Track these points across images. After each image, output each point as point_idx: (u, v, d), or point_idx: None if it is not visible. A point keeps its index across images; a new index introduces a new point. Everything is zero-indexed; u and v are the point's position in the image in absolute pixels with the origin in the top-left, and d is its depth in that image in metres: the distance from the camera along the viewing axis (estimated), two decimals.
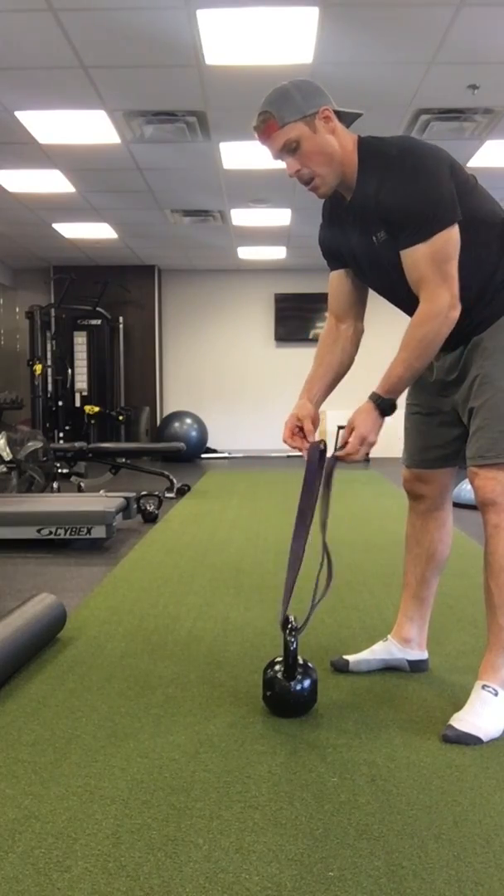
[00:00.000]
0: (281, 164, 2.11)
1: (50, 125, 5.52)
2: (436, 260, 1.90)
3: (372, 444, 2.01)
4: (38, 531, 4.36)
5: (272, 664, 2.12)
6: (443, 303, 1.90)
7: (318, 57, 4.38)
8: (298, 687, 2.07)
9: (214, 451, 10.86)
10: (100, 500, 4.84)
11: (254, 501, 6.46)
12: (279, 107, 1.96)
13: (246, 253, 10.07)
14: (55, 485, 6.40)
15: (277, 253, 10.05)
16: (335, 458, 2.06)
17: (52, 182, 6.88)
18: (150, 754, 1.89)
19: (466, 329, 2.01)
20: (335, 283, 2.26)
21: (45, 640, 2.63)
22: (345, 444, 2.01)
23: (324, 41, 4.21)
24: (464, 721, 1.96)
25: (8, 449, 5.91)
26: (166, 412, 10.97)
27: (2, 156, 6.19)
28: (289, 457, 10.79)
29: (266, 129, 1.99)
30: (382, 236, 1.99)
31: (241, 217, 8.22)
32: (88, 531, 4.33)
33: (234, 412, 11.27)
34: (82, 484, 6.66)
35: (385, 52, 4.37)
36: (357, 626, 2.88)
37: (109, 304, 10.45)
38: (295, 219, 8.29)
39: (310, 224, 8.64)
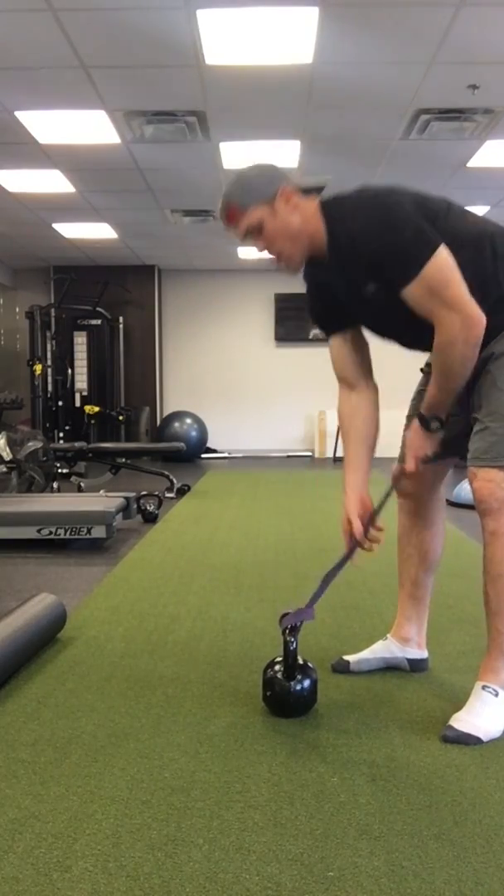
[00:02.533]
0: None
1: (50, 125, 5.52)
2: (433, 291, 1.90)
3: (427, 456, 2.13)
4: (38, 531, 4.36)
5: (272, 664, 2.12)
6: (454, 329, 1.90)
7: (318, 57, 4.38)
8: (298, 687, 2.07)
9: (214, 451, 10.86)
10: (100, 500, 4.84)
11: (254, 501, 6.46)
12: (239, 193, 2.01)
13: (246, 253, 10.07)
14: (55, 485, 6.40)
15: None
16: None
17: (52, 182, 6.88)
18: (150, 754, 1.89)
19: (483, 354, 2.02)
20: (336, 350, 2.26)
21: (45, 640, 2.63)
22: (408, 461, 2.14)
23: (324, 41, 4.21)
24: (464, 721, 1.96)
25: (8, 449, 5.91)
26: (166, 412, 10.97)
27: (2, 156, 6.19)
28: (289, 457, 10.80)
29: (228, 215, 2.04)
30: (372, 288, 2.00)
31: None
32: (88, 531, 4.33)
33: (234, 412, 11.27)
34: (82, 484, 6.66)
35: (385, 52, 4.37)
36: (357, 626, 2.88)
37: (109, 304, 10.45)
38: None
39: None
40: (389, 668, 2.42)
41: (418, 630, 2.41)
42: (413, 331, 2.02)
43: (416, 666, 2.41)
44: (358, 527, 2.12)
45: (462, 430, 2.14)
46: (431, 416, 2.08)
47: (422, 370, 2.28)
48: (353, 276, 2.03)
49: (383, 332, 2.17)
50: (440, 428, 2.09)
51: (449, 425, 2.14)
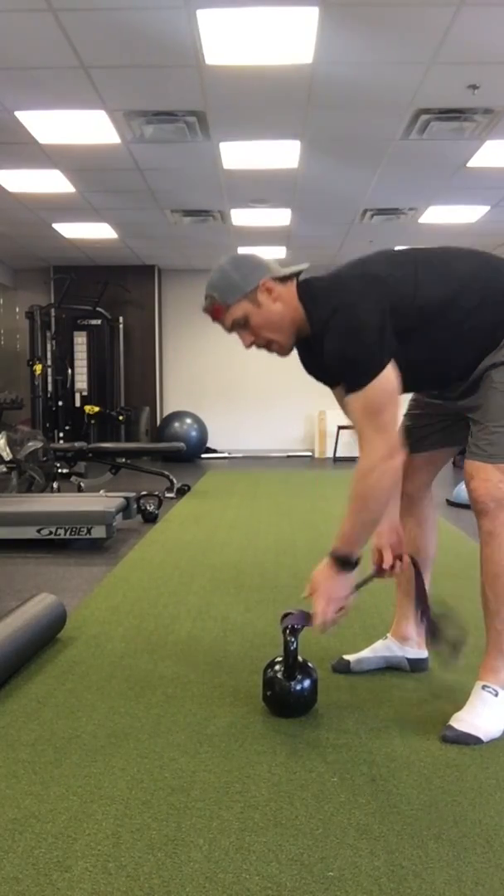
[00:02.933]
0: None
1: (50, 125, 5.52)
2: (368, 411, 1.94)
3: (341, 603, 2.03)
4: (38, 531, 4.36)
5: (272, 664, 2.12)
6: (377, 455, 1.92)
7: (318, 57, 4.38)
8: (299, 687, 2.08)
9: (214, 451, 10.86)
10: (100, 500, 4.84)
11: (254, 501, 6.46)
12: (221, 290, 2.05)
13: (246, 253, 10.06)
14: (55, 485, 6.40)
15: (277, 253, 10.04)
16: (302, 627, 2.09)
17: (52, 182, 6.88)
18: (150, 754, 1.89)
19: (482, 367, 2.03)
20: (338, 396, 2.26)
21: (45, 640, 2.63)
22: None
23: (324, 41, 4.21)
24: (464, 721, 1.97)
25: (8, 449, 5.91)
26: (166, 412, 10.97)
27: (2, 156, 6.19)
28: (289, 457, 10.80)
29: (213, 311, 2.08)
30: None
31: (241, 217, 8.23)
32: (88, 531, 4.33)
33: (234, 412, 11.27)
34: (82, 484, 6.66)
35: (385, 52, 4.37)
36: (357, 626, 2.88)
37: (109, 304, 10.45)
38: (295, 219, 8.29)
39: (310, 224, 8.66)
40: (390, 667, 2.42)
41: (417, 629, 2.41)
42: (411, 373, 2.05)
43: (416, 665, 2.41)
44: (388, 559, 2.21)
45: (445, 425, 2.18)
46: (345, 553, 2.00)
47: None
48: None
49: None
50: (355, 567, 2.02)
51: (431, 423, 2.19)
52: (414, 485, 2.31)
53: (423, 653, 2.42)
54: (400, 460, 1.96)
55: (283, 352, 2.14)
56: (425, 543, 2.36)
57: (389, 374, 1.93)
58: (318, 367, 2.19)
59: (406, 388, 2.06)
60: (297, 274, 2.09)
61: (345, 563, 2.01)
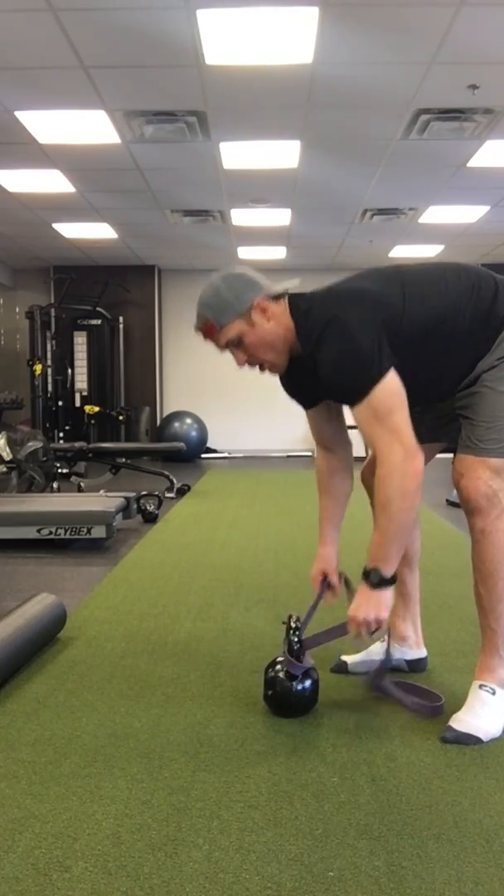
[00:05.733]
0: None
1: (50, 125, 5.52)
2: (377, 416, 1.90)
3: (383, 621, 1.97)
4: (38, 531, 4.36)
5: (273, 664, 2.12)
6: (395, 459, 1.88)
7: (318, 57, 4.38)
8: (300, 687, 2.08)
9: (214, 451, 10.86)
10: (100, 500, 4.84)
11: (254, 501, 6.46)
12: (214, 310, 2.02)
13: (246, 253, 10.07)
14: (55, 485, 6.40)
15: (277, 253, 10.04)
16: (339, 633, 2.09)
17: (52, 182, 6.88)
18: (150, 754, 1.89)
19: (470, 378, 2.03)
20: (312, 419, 2.30)
21: (45, 640, 2.63)
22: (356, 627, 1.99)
23: (324, 41, 4.21)
24: (463, 722, 1.96)
25: (8, 449, 5.91)
26: (166, 412, 10.97)
27: (2, 156, 6.19)
28: (288, 457, 10.80)
29: (206, 331, 2.06)
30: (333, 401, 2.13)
31: (241, 217, 8.22)
32: (88, 531, 4.33)
33: (234, 412, 11.27)
34: (82, 484, 6.66)
35: (385, 52, 4.37)
36: None
37: (109, 304, 10.45)
38: (295, 219, 8.29)
39: (310, 224, 8.66)
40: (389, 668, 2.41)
41: (414, 628, 2.40)
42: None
43: (414, 666, 2.40)
44: (333, 580, 2.23)
45: (437, 424, 2.18)
46: (376, 569, 1.92)
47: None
48: (319, 385, 2.05)
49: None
50: (392, 583, 1.95)
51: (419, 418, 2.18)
52: None
53: (421, 653, 2.42)
54: (420, 461, 1.89)
55: (276, 370, 2.12)
56: (414, 542, 2.36)
57: (393, 378, 1.91)
58: (300, 386, 2.20)
59: None
60: (286, 292, 2.07)
61: (380, 582, 1.92)
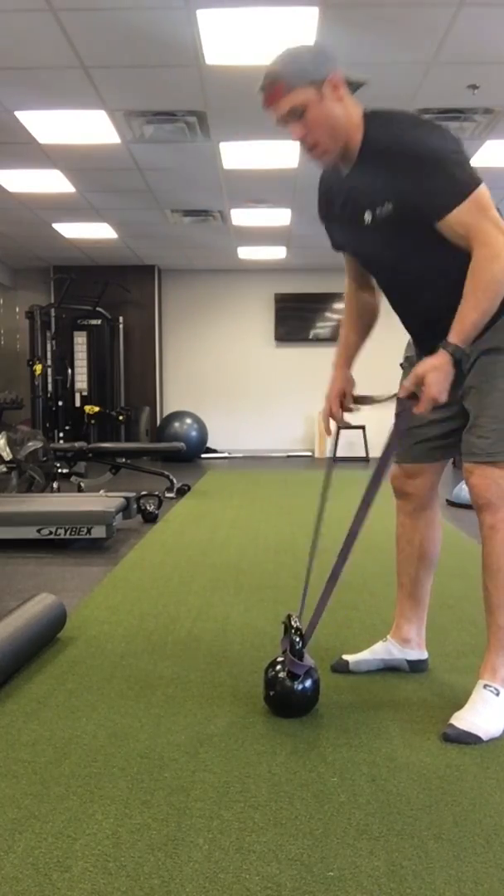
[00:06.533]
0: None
1: (50, 125, 5.52)
2: (482, 209, 1.84)
3: (439, 402, 1.91)
4: (38, 531, 4.36)
5: (273, 664, 2.12)
6: (499, 243, 1.83)
7: None
8: (301, 687, 2.07)
9: (214, 451, 10.86)
10: (100, 500, 4.84)
11: (254, 501, 6.46)
12: (288, 71, 1.89)
13: (246, 253, 10.08)
14: (55, 485, 6.40)
15: (277, 253, 10.05)
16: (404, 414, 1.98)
17: (52, 182, 6.88)
18: (150, 754, 1.89)
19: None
20: (347, 259, 2.27)
21: (45, 640, 2.63)
22: (408, 399, 1.93)
23: (324, 41, 4.21)
24: (464, 720, 1.96)
25: (8, 449, 5.91)
26: (166, 412, 10.97)
27: (2, 156, 6.19)
28: (288, 457, 10.80)
29: (273, 92, 1.91)
30: (385, 211, 1.94)
31: (241, 217, 8.23)
32: (88, 531, 4.33)
33: (234, 412, 11.27)
34: (82, 484, 6.66)
35: (385, 52, 4.37)
36: (357, 627, 2.88)
37: (109, 304, 10.45)
38: (295, 219, 8.30)
39: (310, 224, 8.65)
40: (386, 667, 2.42)
41: (418, 630, 2.41)
42: (401, 273, 2.02)
43: (416, 667, 2.40)
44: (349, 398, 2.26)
45: (452, 429, 2.15)
46: (462, 346, 1.86)
47: (401, 365, 2.28)
48: (368, 195, 1.96)
49: (371, 266, 2.16)
50: (466, 360, 1.93)
51: (437, 426, 2.16)
52: (425, 486, 2.30)
53: (423, 654, 2.42)
54: None
55: (327, 156, 1.99)
56: (433, 545, 2.36)
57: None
58: (334, 217, 2.12)
59: (397, 304, 2.09)
60: (358, 86, 2.01)
61: (458, 360, 1.88)
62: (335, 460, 2.35)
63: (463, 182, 1.86)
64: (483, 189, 1.86)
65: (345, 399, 2.28)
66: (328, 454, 2.17)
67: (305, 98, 1.90)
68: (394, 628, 2.43)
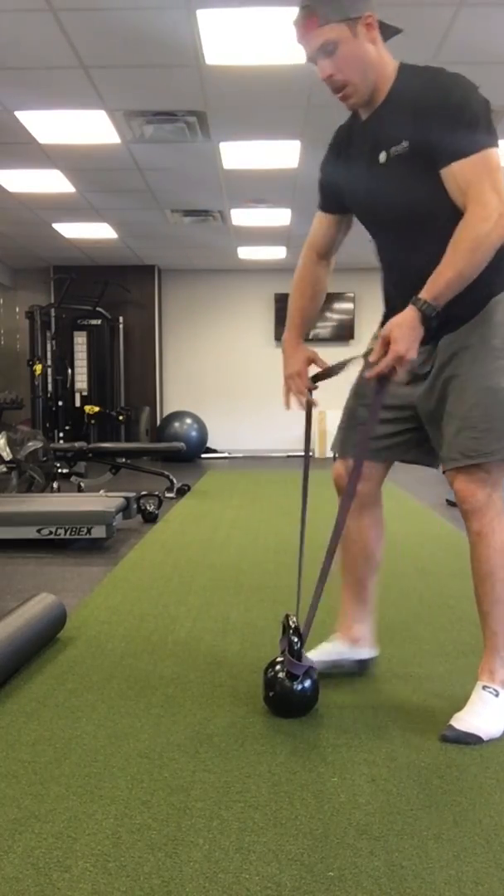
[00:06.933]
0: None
1: (50, 125, 5.52)
2: (488, 168, 1.82)
3: (409, 364, 1.86)
4: (38, 531, 4.36)
5: (272, 664, 2.12)
6: (494, 206, 1.80)
7: None
8: (301, 687, 2.07)
9: (214, 451, 10.86)
10: (100, 500, 4.84)
11: (254, 501, 6.46)
12: (324, 3, 1.87)
13: (246, 253, 10.08)
14: (55, 485, 6.40)
15: (277, 253, 10.05)
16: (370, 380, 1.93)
17: (52, 182, 6.89)
18: (150, 754, 1.89)
19: (436, 324, 1.90)
20: (324, 225, 2.26)
21: (45, 640, 2.63)
22: (376, 360, 1.88)
23: None
24: (464, 721, 1.96)
25: (8, 449, 5.91)
26: (166, 412, 10.98)
27: (2, 156, 6.20)
28: (288, 457, 10.80)
29: (306, 24, 1.88)
30: (400, 149, 1.91)
31: (241, 217, 8.23)
32: (88, 531, 4.33)
33: (234, 412, 11.27)
34: (82, 484, 6.66)
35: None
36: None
37: (109, 304, 10.46)
38: (295, 219, 8.29)
39: (310, 224, 8.64)
40: (335, 669, 2.33)
41: (369, 628, 2.35)
42: (413, 229, 1.97)
43: (365, 665, 2.36)
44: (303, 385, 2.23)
45: (402, 429, 2.12)
46: (436, 305, 1.81)
47: (364, 356, 2.14)
48: (387, 135, 1.94)
49: (377, 215, 2.09)
50: (435, 321, 1.86)
51: (393, 426, 2.13)
52: (373, 485, 2.25)
53: (374, 651, 2.37)
54: None
55: (355, 97, 1.97)
56: (379, 546, 2.31)
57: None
58: (347, 165, 2.08)
59: (391, 260, 2.07)
60: (394, 32, 2.03)
61: (433, 316, 1.83)
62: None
63: (479, 137, 1.84)
64: (495, 151, 1.84)
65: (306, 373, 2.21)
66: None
67: (339, 34, 1.88)
68: (342, 629, 2.36)
